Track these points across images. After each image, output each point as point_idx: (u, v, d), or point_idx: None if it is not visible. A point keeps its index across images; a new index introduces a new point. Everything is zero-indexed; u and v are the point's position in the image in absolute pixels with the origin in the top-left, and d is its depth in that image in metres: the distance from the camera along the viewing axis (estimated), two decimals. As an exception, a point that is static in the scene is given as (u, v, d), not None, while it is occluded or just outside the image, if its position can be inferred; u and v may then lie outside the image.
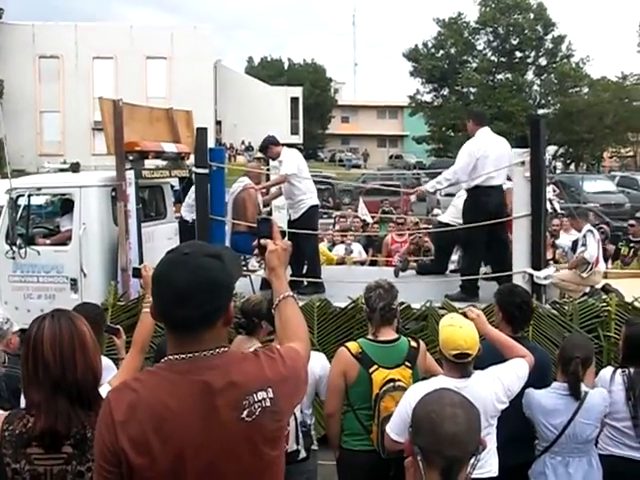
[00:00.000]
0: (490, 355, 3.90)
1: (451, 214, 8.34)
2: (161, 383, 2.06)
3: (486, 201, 6.73)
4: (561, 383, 4.23)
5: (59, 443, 2.50)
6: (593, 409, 4.18)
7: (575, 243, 8.06)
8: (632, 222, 12.29)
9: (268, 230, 2.36)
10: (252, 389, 2.07)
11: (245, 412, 2.04)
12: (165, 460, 1.98)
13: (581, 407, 4.13)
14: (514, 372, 3.85)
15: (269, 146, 8.07)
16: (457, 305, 6.06)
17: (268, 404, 2.08)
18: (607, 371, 4.55)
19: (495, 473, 3.78)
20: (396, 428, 3.62)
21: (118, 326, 4.40)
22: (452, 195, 21.51)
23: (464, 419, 2.12)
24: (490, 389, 3.70)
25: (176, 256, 2.15)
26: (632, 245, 11.78)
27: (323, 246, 10.54)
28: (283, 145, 8.19)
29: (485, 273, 7.56)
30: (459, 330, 3.65)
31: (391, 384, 4.02)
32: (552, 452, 4.20)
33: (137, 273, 3.91)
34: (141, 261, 7.09)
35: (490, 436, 3.74)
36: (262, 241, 2.66)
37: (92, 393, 2.61)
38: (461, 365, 3.67)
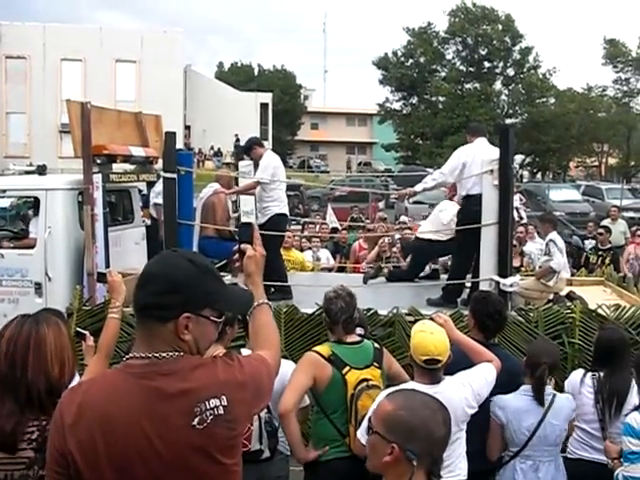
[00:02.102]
0: (460, 360, 3.93)
1: (433, 228, 8.17)
2: (114, 386, 2.06)
3: (477, 210, 6.71)
4: (530, 386, 4.32)
5: (10, 443, 2.46)
6: (562, 410, 4.30)
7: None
8: (600, 230, 12.47)
9: (248, 235, 2.35)
10: (204, 396, 2.05)
11: (196, 419, 2.02)
12: (111, 465, 1.97)
13: (550, 407, 4.24)
14: (483, 377, 3.90)
15: (253, 146, 7.97)
16: (424, 312, 6.09)
17: (221, 412, 2.06)
18: (577, 374, 4.66)
19: (464, 477, 3.82)
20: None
21: (86, 331, 4.35)
22: (421, 203, 21.57)
23: (448, 420, 2.24)
24: (460, 395, 3.73)
25: (167, 251, 2.33)
26: (600, 253, 11.97)
27: (298, 253, 10.51)
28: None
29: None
30: (430, 336, 3.67)
31: (364, 384, 4.02)
32: (522, 456, 4.28)
33: (102, 278, 3.85)
34: (108, 266, 7.01)
35: (460, 441, 3.78)
36: (242, 246, 2.64)
37: (47, 397, 2.57)
38: (431, 371, 3.69)
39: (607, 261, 11.41)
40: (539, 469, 4.24)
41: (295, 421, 4.02)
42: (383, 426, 2.21)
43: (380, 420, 2.24)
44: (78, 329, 4.59)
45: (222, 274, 8.36)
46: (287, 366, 4.23)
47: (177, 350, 2.10)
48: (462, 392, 3.75)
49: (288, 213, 8.11)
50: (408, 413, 2.20)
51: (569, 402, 4.40)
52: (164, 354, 2.07)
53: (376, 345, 4.34)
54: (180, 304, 2.10)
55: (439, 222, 8.12)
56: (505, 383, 4.16)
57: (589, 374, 4.57)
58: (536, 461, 4.25)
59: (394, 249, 10.06)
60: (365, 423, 3.71)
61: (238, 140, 47.86)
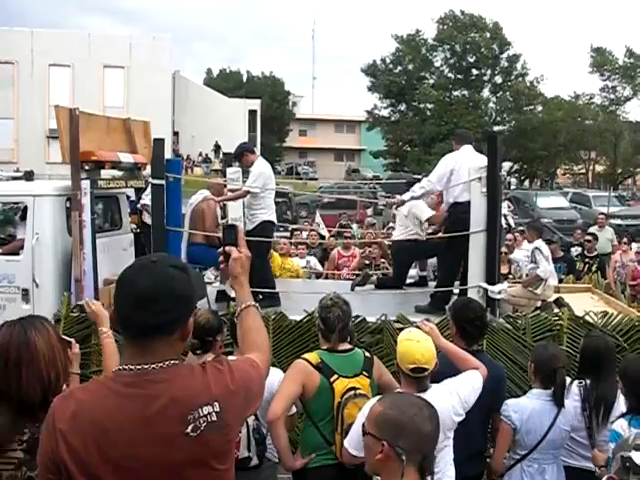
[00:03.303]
0: (446, 368, 3.94)
1: (402, 228, 8.26)
2: (106, 394, 2.04)
3: (465, 217, 6.73)
4: (542, 390, 4.39)
5: (3, 449, 2.45)
6: (568, 414, 4.37)
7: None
8: (588, 238, 12.52)
9: (233, 237, 2.34)
10: (197, 404, 2.05)
11: (190, 427, 2.02)
12: (104, 473, 1.97)
13: (560, 412, 4.31)
14: (470, 384, 3.90)
15: (244, 153, 7.93)
16: (412, 319, 6.09)
17: (214, 418, 2.06)
18: None
19: (453, 484, 3.83)
20: (355, 443, 3.58)
21: (71, 339, 4.32)
22: (409, 210, 21.44)
23: (436, 417, 2.34)
24: (448, 403, 3.73)
25: (143, 262, 2.17)
26: (587, 260, 12.01)
27: (294, 261, 10.51)
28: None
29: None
30: (416, 344, 3.67)
31: (352, 392, 4.01)
32: (530, 459, 4.33)
33: (82, 310, 3.81)
34: (95, 272, 6.99)
35: (448, 448, 3.78)
36: (227, 248, 2.64)
37: (41, 403, 2.53)
38: (418, 379, 3.68)
39: (594, 268, 11.47)
40: (545, 471, 4.31)
41: (283, 429, 4.01)
42: (374, 426, 2.33)
43: (371, 421, 2.36)
44: (63, 336, 4.55)
45: (208, 280, 8.23)
46: (274, 374, 4.21)
47: (173, 357, 2.11)
48: (449, 400, 3.75)
49: (276, 220, 8.10)
50: (396, 411, 2.30)
51: (574, 407, 4.45)
52: (154, 365, 2.06)
53: (367, 354, 4.32)
54: (187, 312, 2.13)
55: (411, 221, 8.11)
56: (491, 389, 4.17)
57: (575, 382, 4.58)
58: (542, 464, 4.31)
59: (382, 259, 10.06)
60: (351, 432, 3.71)
61: (218, 147, 47.87)
